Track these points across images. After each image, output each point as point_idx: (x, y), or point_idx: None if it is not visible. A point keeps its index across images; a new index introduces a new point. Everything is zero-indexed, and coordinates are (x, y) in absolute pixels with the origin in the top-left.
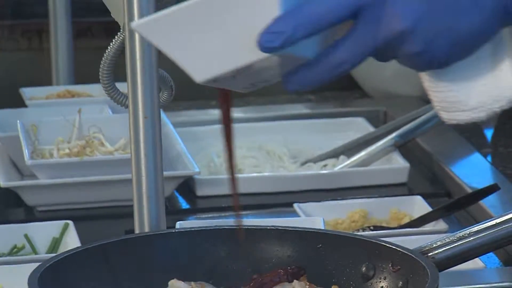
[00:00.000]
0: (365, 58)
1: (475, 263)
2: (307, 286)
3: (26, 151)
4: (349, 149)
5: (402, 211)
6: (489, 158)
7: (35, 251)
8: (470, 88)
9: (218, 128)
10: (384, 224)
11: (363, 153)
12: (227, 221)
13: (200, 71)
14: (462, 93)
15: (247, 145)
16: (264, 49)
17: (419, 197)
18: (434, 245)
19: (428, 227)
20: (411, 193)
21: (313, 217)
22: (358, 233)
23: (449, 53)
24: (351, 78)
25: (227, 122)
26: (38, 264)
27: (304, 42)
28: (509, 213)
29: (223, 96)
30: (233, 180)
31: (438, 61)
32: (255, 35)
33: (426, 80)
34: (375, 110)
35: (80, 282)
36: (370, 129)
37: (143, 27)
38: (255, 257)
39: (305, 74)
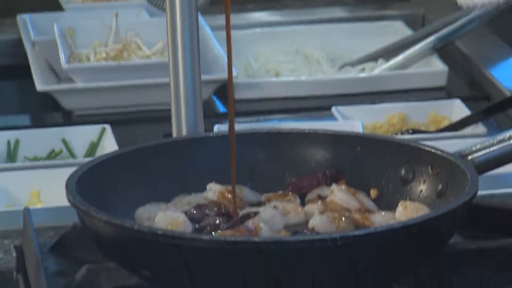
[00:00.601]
0: None
1: None
2: (346, 190)
3: (63, 55)
4: (387, 53)
5: (441, 115)
6: None
7: (72, 155)
8: None
9: (255, 32)
10: (422, 128)
11: (401, 57)
12: (265, 124)
13: None
14: None
15: (284, 49)
16: None
17: (458, 101)
18: (474, 149)
19: (467, 130)
20: (450, 96)
21: (351, 120)
22: (397, 137)
23: None
24: None
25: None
26: (75, 168)
27: None
28: None
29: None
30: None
31: None
32: None
33: None
34: (413, 13)
35: (118, 185)
36: (408, 32)
37: None
38: (293, 160)
39: None
